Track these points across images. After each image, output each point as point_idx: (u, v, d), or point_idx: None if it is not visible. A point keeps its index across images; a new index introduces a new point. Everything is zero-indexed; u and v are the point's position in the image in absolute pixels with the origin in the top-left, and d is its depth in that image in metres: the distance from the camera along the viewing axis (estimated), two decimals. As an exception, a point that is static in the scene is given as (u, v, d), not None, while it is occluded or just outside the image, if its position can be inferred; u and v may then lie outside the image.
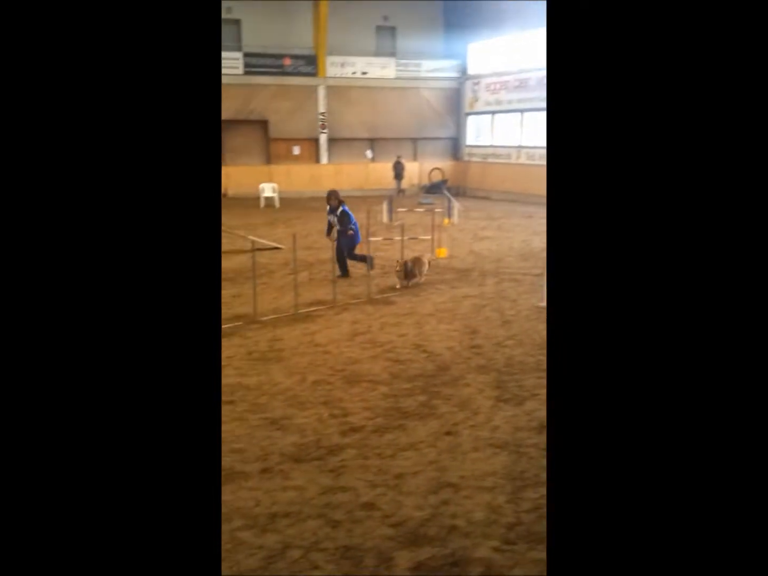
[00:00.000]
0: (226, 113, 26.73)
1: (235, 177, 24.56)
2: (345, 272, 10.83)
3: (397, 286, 10.01)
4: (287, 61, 26.47)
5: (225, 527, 3.64)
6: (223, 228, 13.38)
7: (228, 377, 6.14)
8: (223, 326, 7.81)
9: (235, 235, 12.97)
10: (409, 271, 10.00)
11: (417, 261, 10.22)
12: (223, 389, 5.80)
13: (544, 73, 15.45)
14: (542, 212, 14.47)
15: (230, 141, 25.35)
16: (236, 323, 8.01)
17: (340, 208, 10.76)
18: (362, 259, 10.73)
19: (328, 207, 11.00)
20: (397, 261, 10.27)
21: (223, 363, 6.54)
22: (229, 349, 7.02)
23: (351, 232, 10.64)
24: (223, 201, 23.90)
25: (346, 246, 10.74)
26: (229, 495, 3.99)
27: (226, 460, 4.45)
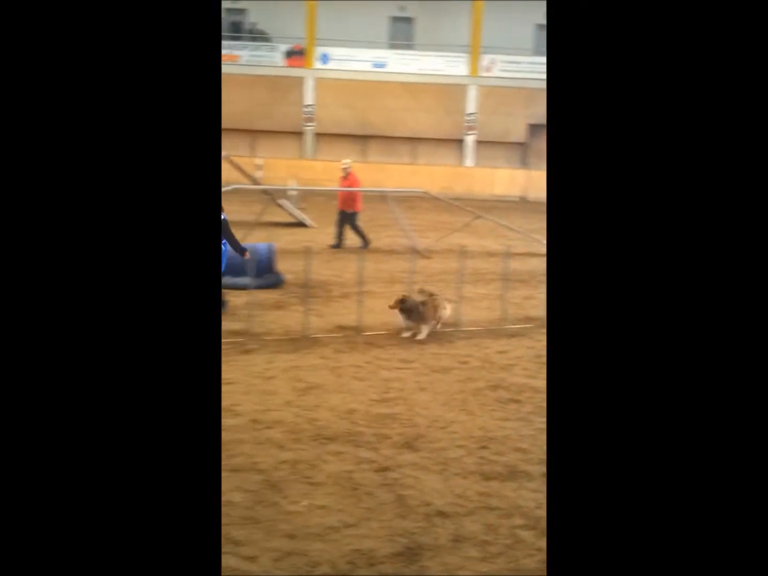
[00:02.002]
0: (533, 118, 26.87)
1: (537, 181, 24.59)
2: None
3: (404, 335, 7.31)
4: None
5: (505, 522, 3.70)
6: (519, 230, 13.55)
7: (515, 377, 6.21)
8: (513, 326, 7.91)
9: (531, 238, 13.03)
10: (411, 310, 7.19)
11: (430, 302, 7.30)
12: (510, 388, 5.89)
13: None
14: None
15: (536, 145, 25.41)
16: (527, 325, 8.05)
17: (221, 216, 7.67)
18: None
19: None
20: (402, 296, 7.38)
21: (511, 362, 6.64)
22: (518, 349, 7.10)
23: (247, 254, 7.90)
24: (521, 204, 24.10)
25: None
26: (510, 492, 4.05)
27: (510, 458, 4.51)
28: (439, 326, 7.44)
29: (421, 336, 7.25)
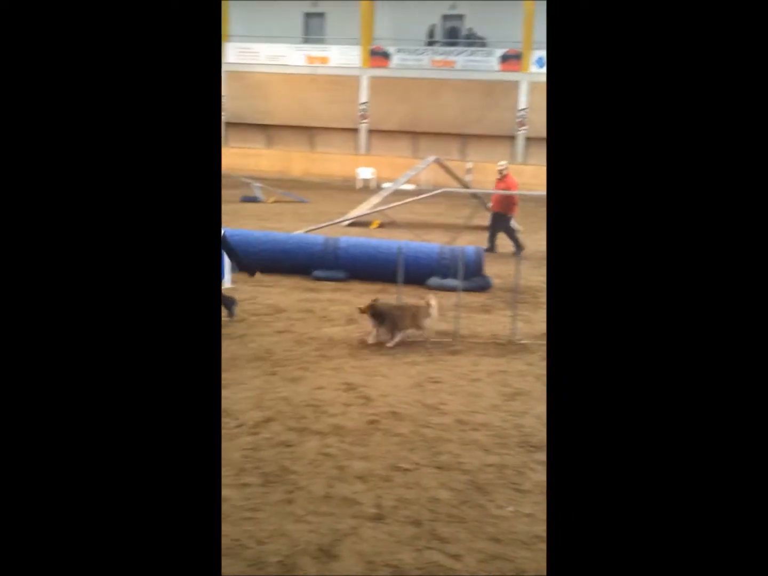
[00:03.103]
0: None
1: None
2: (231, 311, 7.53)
3: (369, 341, 6.88)
4: None
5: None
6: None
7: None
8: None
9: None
10: (383, 316, 6.80)
11: (407, 309, 6.92)
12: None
13: None
14: None
15: None
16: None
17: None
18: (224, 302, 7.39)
19: None
20: (374, 300, 7.05)
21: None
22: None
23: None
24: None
25: None
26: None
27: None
28: (423, 334, 6.97)
29: (390, 344, 6.82)
